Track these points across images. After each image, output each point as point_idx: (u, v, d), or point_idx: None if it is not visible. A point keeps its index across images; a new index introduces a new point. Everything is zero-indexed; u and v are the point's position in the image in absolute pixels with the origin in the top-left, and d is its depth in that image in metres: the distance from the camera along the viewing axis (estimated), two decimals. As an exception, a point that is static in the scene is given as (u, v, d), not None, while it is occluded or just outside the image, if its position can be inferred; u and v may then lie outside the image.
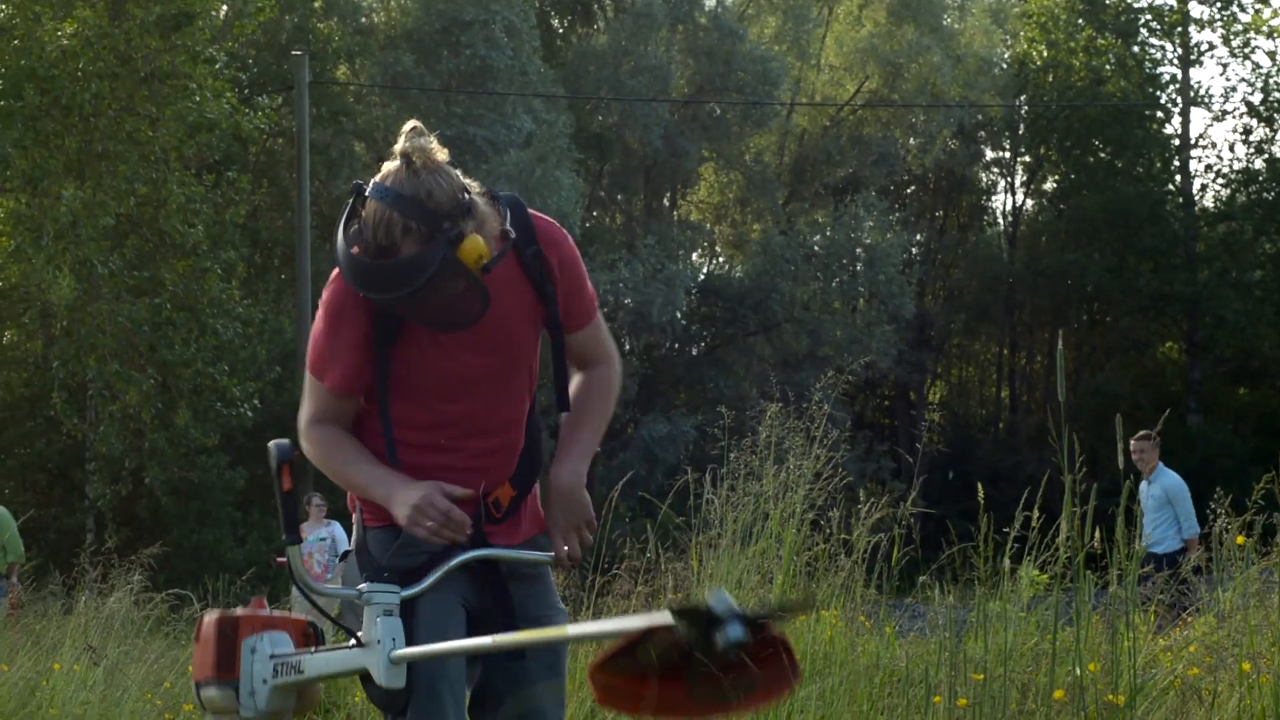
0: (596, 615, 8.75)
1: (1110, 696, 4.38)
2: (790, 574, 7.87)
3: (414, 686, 4.41)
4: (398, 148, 4.25)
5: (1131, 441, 14.91)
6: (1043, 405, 52.47)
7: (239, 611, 4.68)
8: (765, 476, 8.31)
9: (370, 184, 4.25)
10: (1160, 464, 14.73)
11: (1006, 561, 5.23)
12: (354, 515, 4.72)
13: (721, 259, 54.60)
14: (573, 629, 4.11)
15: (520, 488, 4.73)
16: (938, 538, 7.73)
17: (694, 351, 49.17)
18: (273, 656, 4.63)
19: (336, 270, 4.44)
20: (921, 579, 6.82)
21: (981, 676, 4.64)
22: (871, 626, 8.89)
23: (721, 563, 8.17)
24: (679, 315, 45.70)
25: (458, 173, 4.30)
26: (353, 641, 4.43)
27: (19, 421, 31.03)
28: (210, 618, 4.66)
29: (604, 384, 4.76)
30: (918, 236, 54.43)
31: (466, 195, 4.26)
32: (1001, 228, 57.83)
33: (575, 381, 4.79)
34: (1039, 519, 5.70)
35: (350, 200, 4.32)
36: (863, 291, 48.44)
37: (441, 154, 4.26)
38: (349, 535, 5.57)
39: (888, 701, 7.29)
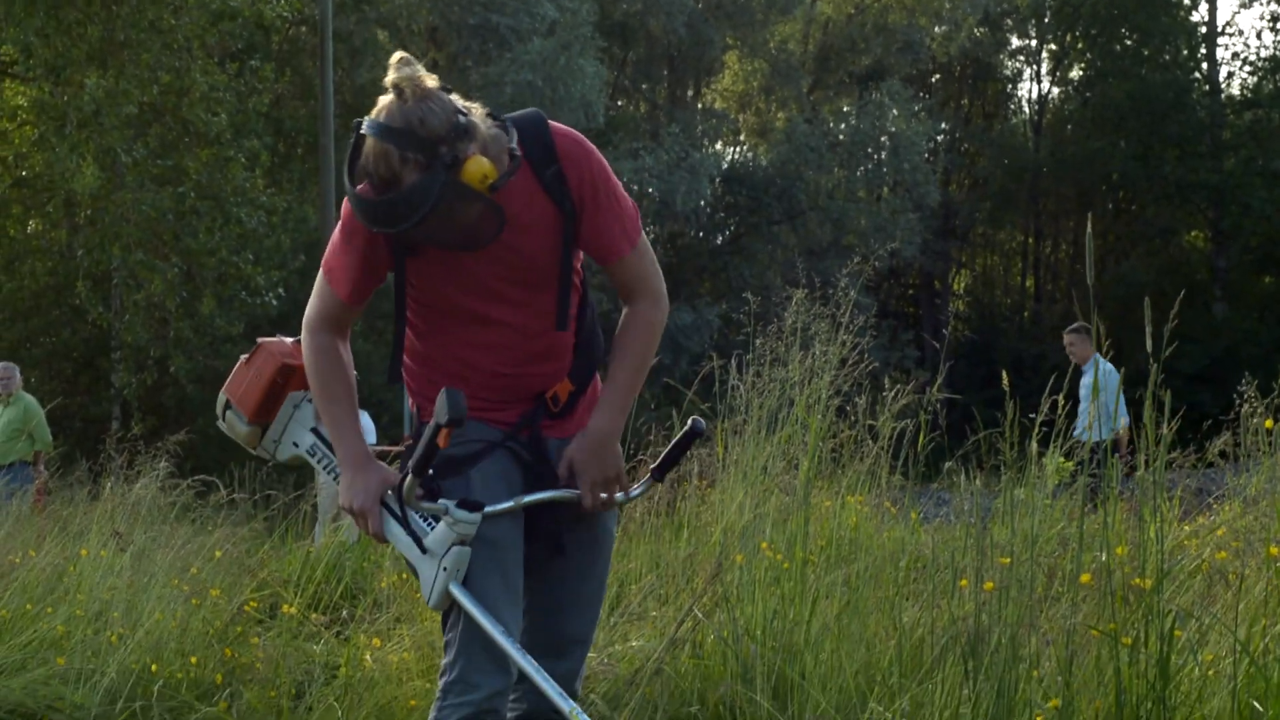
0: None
1: (1137, 580, 4.37)
2: (815, 460, 7.87)
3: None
4: (387, 80, 4.24)
5: (1065, 334, 15.00)
6: (1068, 294, 52.35)
7: (297, 360, 4.77)
8: (791, 362, 8.30)
9: (365, 121, 4.25)
10: (1096, 355, 14.61)
11: (1034, 446, 5.22)
12: (410, 405, 4.80)
13: (746, 147, 54.37)
14: None
15: (579, 383, 4.78)
16: (963, 425, 7.72)
17: (718, 240, 49.03)
18: (316, 433, 4.73)
19: (347, 211, 4.48)
20: (947, 465, 6.82)
21: (1008, 561, 4.64)
22: (897, 513, 8.90)
23: (747, 449, 8.18)
24: (703, 204, 45.55)
25: (454, 97, 4.29)
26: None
27: (44, 311, 31.10)
28: (271, 356, 4.78)
29: (644, 326, 4.73)
30: (943, 125, 54.08)
31: (463, 118, 4.24)
32: (1027, 116, 57.54)
33: (621, 321, 4.76)
34: (1065, 406, 5.69)
35: (353, 139, 4.31)
36: (887, 180, 48.21)
37: (431, 80, 4.25)
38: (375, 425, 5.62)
39: (913, 587, 7.31)
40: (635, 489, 4.83)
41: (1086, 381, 14.28)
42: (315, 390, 4.63)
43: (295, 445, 4.82)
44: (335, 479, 4.75)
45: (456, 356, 4.64)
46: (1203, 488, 7.66)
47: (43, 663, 6.77)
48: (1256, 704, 4.10)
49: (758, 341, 8.56)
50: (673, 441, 4.83)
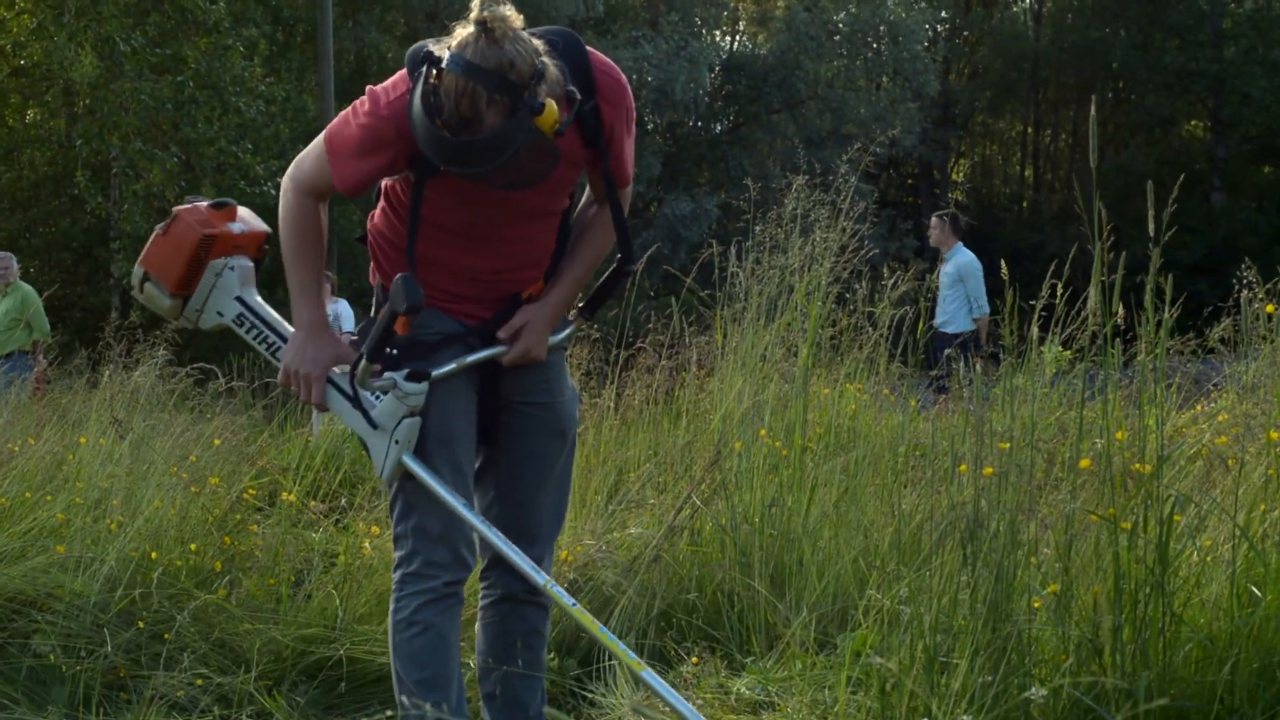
0: (620, 388, 8.77)
1: (1136, 466, 4.37)
2: (814, 348, 7.85)
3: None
4: (473, 15, 4.16)
5: (932, 218, 14.91)
6: (1067, 183, 52.22)
7: (217, 227, 4.74)
8: (790, 249, 8.27)
9: (447, 55, 4.16)
10: (959, 244, 14.46)
11: (1034, 329, 5.20)
12: (376, 288, 4.78)
13: (745, 36, 54.05)
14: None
15: (548, 279, 4.84)
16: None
17: (717, 129, 48.79)
18: (241, 301, 4.69)
19: (389, 100, 4.42)
20: (947, 352, 6.79)
21: (1007, 446, 4.64)
22: (895, 400, 8.90)
23: (746, 337, 8.16)
24: (702, 93, 45.29)
25: (527, 34, 4.23)
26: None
27: (43, 201, 30.99)
28: (190, 227, 4.73)
29: (603, 229, 4.82)
30: (943, 13, 53.75)
31: (540, 60, 4.20)
32: (1027, 4, 57.16)
33: (591, 217, 4.85)
34: (1064, 293, 5.67)
35: (424, 69, 4.21)
36: (887, 69, 47.90)
37: (518, 20, 4.18)
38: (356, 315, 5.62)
39: (911, 474, 7.31)
40: (565, 330, 4.89)
41: (947, 270, 14.18)
42: (287, 249, 4.61)
43: (220, 315, 4.78)
44: (269, 350, 4.74)
45: (449, 260, 4.67)
46: (1202, 377, 7.66)
47: (42, 550, 6.78)
48: (1255, 589, 4.11)
49: (757, 229, 8.53)
50: (602, 278, 4.89)
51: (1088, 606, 4.04)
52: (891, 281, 8.21)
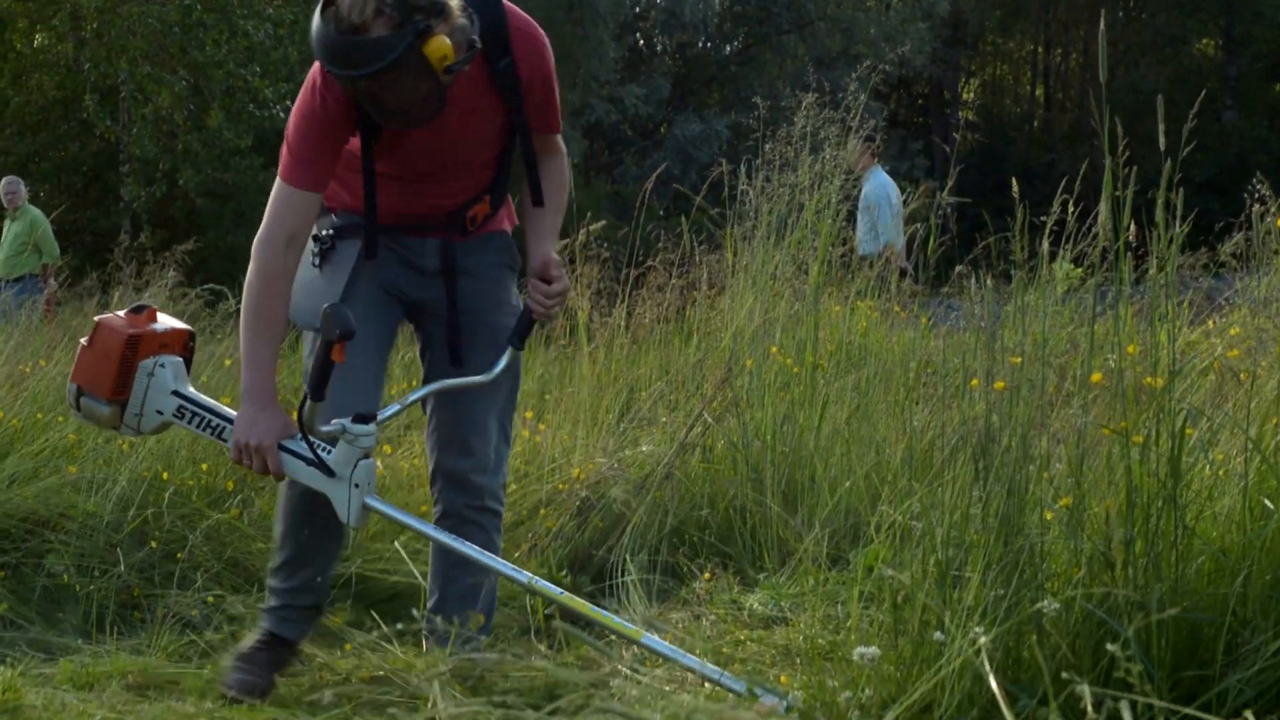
0: (631, 307, 8.76)
1: (1149, 380, 4.36)
2: (825, 265, 7.84)
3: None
4: None
5: (850, 141, 14.73)
6: (1078, 103, 51.99)
7: (140, 328, 4.70)
8: (801, 167, 8.25)
9: None
10: (876, 167, 14.30)
11: (1045, 244, 5.18)
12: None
13: (754, -45, 53.78)
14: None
15: (495, 206, 5.07)
16: (973, 235, 7.69)
17: (727, 50, 48.60)
18: (177, 394, 4.68)
19: (311, 82, 4.63)
20: (958, 269, 6.78)
21: (1019, 361, 4.62)
22: (906, 318, 8.89)
23: (756, 255, 8.15)
24: (712, 14, 45.11)
25: None
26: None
27: (52, 125, 30.89)
28: (114, 332, 4.68)
29: (563, 174, 5.07)
30: (953, -69, 53.48)
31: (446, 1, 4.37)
32: (1038, -78, 56.83)
33: (544, 171, 5.03)
34: (1075, 210, 5.65)
35: None
36: (897, -12, 47.72)
37: None
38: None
39: (923, 391, 7.31)
40: (502, 363, 4.99)
41: (865, 193, 14.04)
42: (245, 314, 4.65)
43: (159, 413, 4.75)
44: (215, 434, 4.71)
45: (392, 191, 4.85)
46: (1214, 292, 7.63)
47: (54, 471, 6.78)
48: (1268, 502, 4.10)
49: (767, 147, 8.50)
50: (518, 319, 4.98)
51: (1100, 520, 4.04)
52: (902, 200, 8.18)
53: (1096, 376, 4.55)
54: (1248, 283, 6.92)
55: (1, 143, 29.86)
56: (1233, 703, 3.61)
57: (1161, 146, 4.42)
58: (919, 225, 8.13)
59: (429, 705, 4.57)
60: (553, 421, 7.67)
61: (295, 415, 4.52)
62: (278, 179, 4.70)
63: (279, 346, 4.66)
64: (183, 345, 4.83)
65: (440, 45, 4.32)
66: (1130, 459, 3.96)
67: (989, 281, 5.53)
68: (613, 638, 5.24)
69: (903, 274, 9.24)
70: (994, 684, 3.26)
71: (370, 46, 4.26)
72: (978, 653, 3.53)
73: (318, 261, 4.88)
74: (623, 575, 6.09)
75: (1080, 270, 6.33)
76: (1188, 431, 4.12)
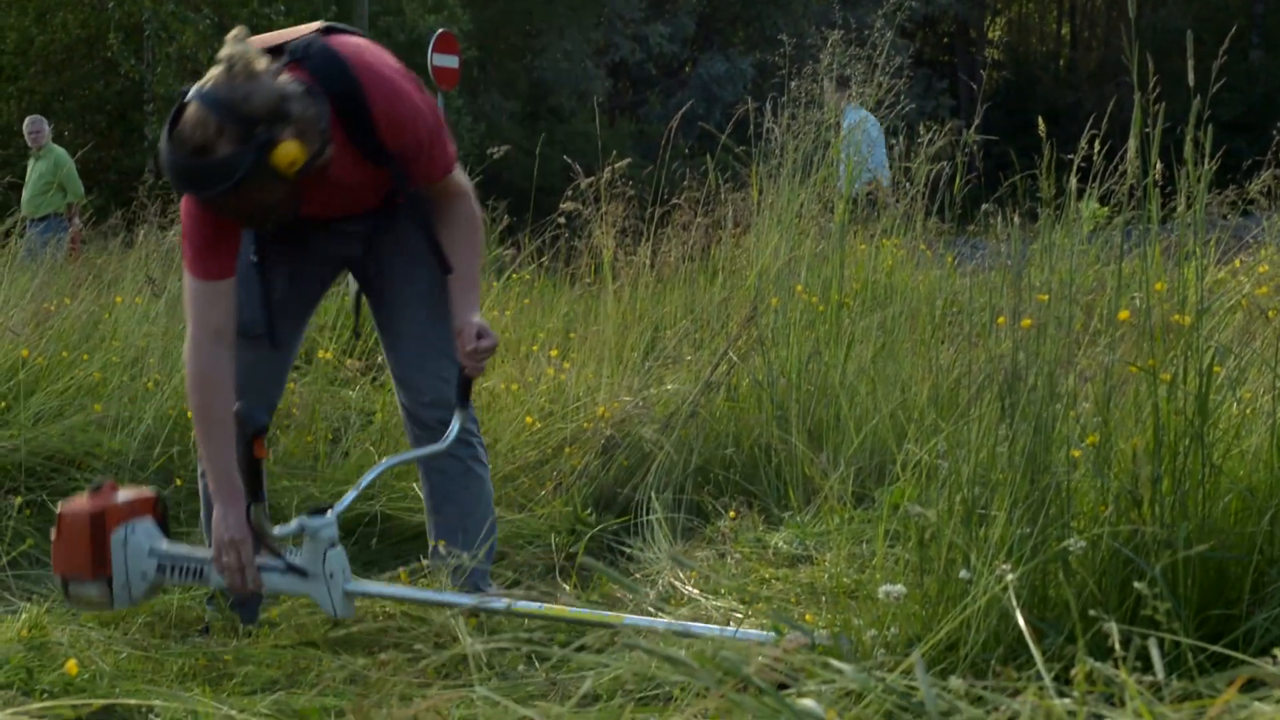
0: (656, 245, 8.74)
1: (1176, 317, 4.34)
2: (851, 203, 7.81)
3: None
4: (220, 54, 4.32)
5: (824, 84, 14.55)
6: (1104, 41, 51.72)
7: (102, 502, 4.68)
8: (826, 104, 8.21)
9: (192, 89, 4.33)
10: (850, 106, 14.05)
11: (1072, 181, 5.15)
12: None
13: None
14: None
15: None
16: (998, 174, 7.65)
17: (751, -12, 48.37)
18: (154, 553, 4.66)
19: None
20: (985, 206, 6.75)
21: (1046, 297, 4.60)
22: (933, 256, 8.86)
23: (782, 193, 8.12)
24: (736, -49, 44.93)
25: (283, 78, 4.34)
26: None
27: (77, 64, 30.85)
28: (78, 515, 4.65)
29: (473, 220, 4.94)
30: None
31: (287, 103, 4.31)
32: None
33: (450, 219, 4.93)
34: (1102, 149, 5.61)
35: (176, 106, 4.38)
36: (924, -76, 47.42)
37: (261, 63, 4.32)
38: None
39: (949, 330, 7.29)
40: (445, 440, 5.03)
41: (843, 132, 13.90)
42: (195, 419, 4.67)
43: (145, 576, 4.72)
44: (199, 577, 4.69)
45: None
46: (1241, 230, 7.60)
47: (80, 409, 6.80)
48: (1295, 440, 4.08)
49: (792, 84, 8.46)
50: (456, 381, 4.98)
51: (1126, 458, 4.02)
52: (928, 138, 8.15)
53: (1124, 314, 4.53)
54: (1275, 220, 6.89)
55: (25, 82, 29.86)
56: (1260, 641, 3.60)
57: (1190, 83, 4.39)
58: (945, 164, 8.08)
59: (456, 643, 4.59)
60: (577, 360, 7.67)
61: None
62: (186, 275, 4.71)
63: (231, 435, 4.54)
64: (152, 508, 4.81)
65: (287, 151, 4.29)
66: (1157, 397, 3.94)
67: (1015, 219, 5.50)
68: (638, 576, 5.25)
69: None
70: (1021, 620, 3.25)
71: (215, 167, 4.24)
72: (1004, 590, 3.52)
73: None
74: (648, 513, 6.09)
75: (1106, 210, 6.30)
76: (1215, 369, 4.10)
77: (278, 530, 4.51)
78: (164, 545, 4.68)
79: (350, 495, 4.78)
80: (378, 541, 6.04)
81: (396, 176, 4.73)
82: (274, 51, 4.51)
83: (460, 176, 4.91)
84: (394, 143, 4.64)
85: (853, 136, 13.30)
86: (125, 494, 4.75)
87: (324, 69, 4.55)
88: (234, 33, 4.40)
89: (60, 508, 4.70)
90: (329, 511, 4.54)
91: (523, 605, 4.38)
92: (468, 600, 4.48)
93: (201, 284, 4.63)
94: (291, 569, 4.51)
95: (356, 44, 4.69)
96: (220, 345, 4.62)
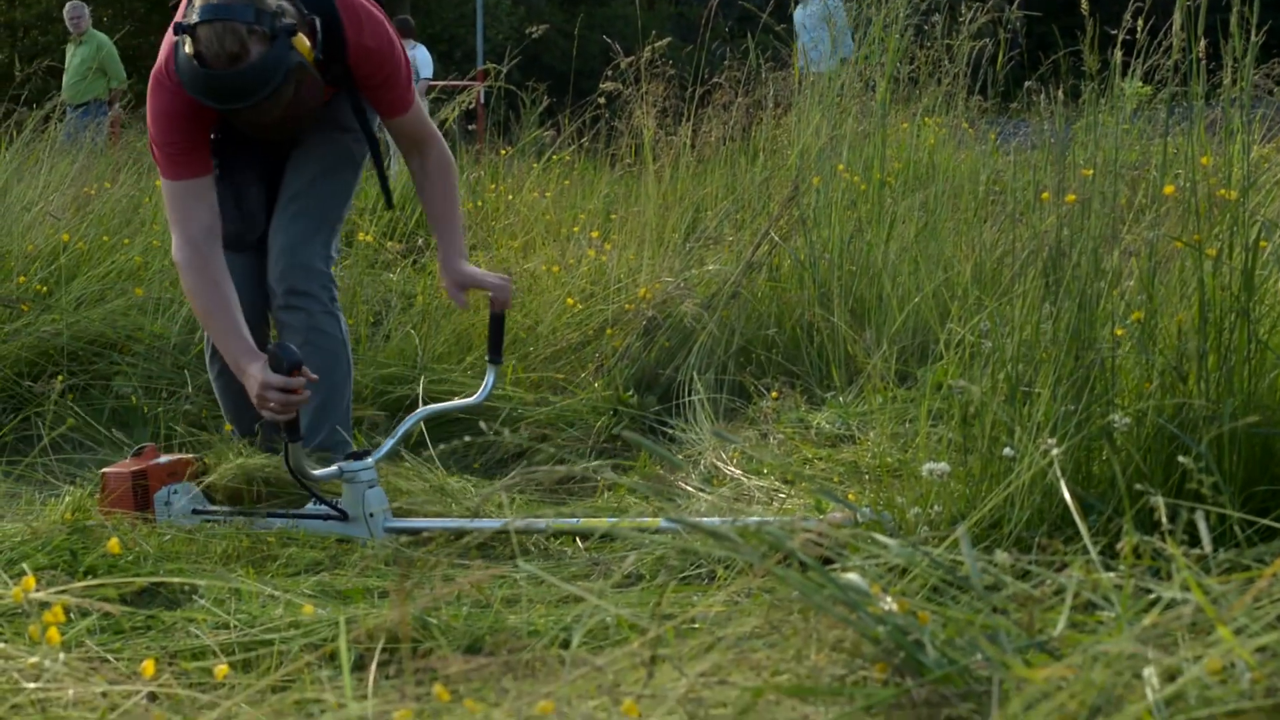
0: (696, 126, 8.69)
1: (1222, 191, 4.29)
2: (892, 82, 7.74)
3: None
4: None
5: None
6: (1150, -83, 51.08)
7: (145, 463, 4.70)
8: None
9: (194, 12, 4.32)
10: None
11: (1116, 54, 5.09)
12: None
13: None
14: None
15: None
16: (1039, 53, 7.58)
17: None
18: (199, 514, 4.67)
19: (153, 85, 4.67)
20: (1027, 83, 6.68)
21: (1090, 172, 4.56)
22: (975, 135, 8.80)
23: (823, 72, 8.06)
24: None
25: None
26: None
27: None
28: (119, 475, 4.66)
29: (445, 168, 4.96)
30: None
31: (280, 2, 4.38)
32: None
33: (421, 181, 5.00)
34: (1145, 25, 5.55)
35: (173, 44, 4.46)
36: None
37: None
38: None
39: (991, 208, 7.25)
40: (480, 394, 5.16)
41: (811, 11, 13.68)
42: (199, 317, 4.72)
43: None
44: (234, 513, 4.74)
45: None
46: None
47: (121, 294, 6.81)
48: (1341, 315, 4.05)
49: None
50: (489, 324, 5.10)
51: (1171, 335, 3.99)
52: (970, 15, 8.06)
53: (1169, 189, 4.49)
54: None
55: (64, -33, 29.81)
56: (1306, 515, 3.58)
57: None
58: (987, 41, 8.00)
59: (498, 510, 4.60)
60: (618, 241, 7.64)
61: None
62: (165, 182, 4.70)
63: (236, 310, 4.63)
64: (189, 473, 4.82)
65: (302, 40, 4.36)
66: (1203, 272, 3.90)
67: (1059, 95, 5.45)
68: (680, 457, 5.25)
69: None
70: (1066, 493, 3.24)
71: (259, 68, 4.26)
72: (1050, 464, 3.51)
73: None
74: (689, 394, 6.08)
75: (1149, 88, 6.24)
76: (1262, 244, 4.06)
77: (318, 473, 4.54)
78: (206, 506, 4.72)
79: (389, 443, 4.89)
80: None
81: (355, 105, 4.80)
82: None
83: (428, 122, 4.93)
84: (361, 70, 4.67)
85: (817, 16, 13.07)
86: (166, 457, 4.79)
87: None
88: None
89: (103, 470, 4.74)
90: (368, 456, 4.58)
91: (561, 522, 4.39)
92: (508, 524, 4.49)
93: (186, 184, 4.64)
94: (340, 515, 4.54)
95: None
96: (213, 238, 4.64)
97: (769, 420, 5.65)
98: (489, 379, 5.11)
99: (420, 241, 8.35)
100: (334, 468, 4.56)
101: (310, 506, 4.61)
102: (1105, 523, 3.53)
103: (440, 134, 4.97)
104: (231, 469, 4.80)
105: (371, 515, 4.50)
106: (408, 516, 4.64)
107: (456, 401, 5.19)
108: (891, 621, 2.32)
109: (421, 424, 5.34)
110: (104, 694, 2.70)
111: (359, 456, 4.57)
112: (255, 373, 4.45)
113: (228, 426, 5.26)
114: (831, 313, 6.31)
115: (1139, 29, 5.37)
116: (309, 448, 4.89)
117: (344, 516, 4.54)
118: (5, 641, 2.90)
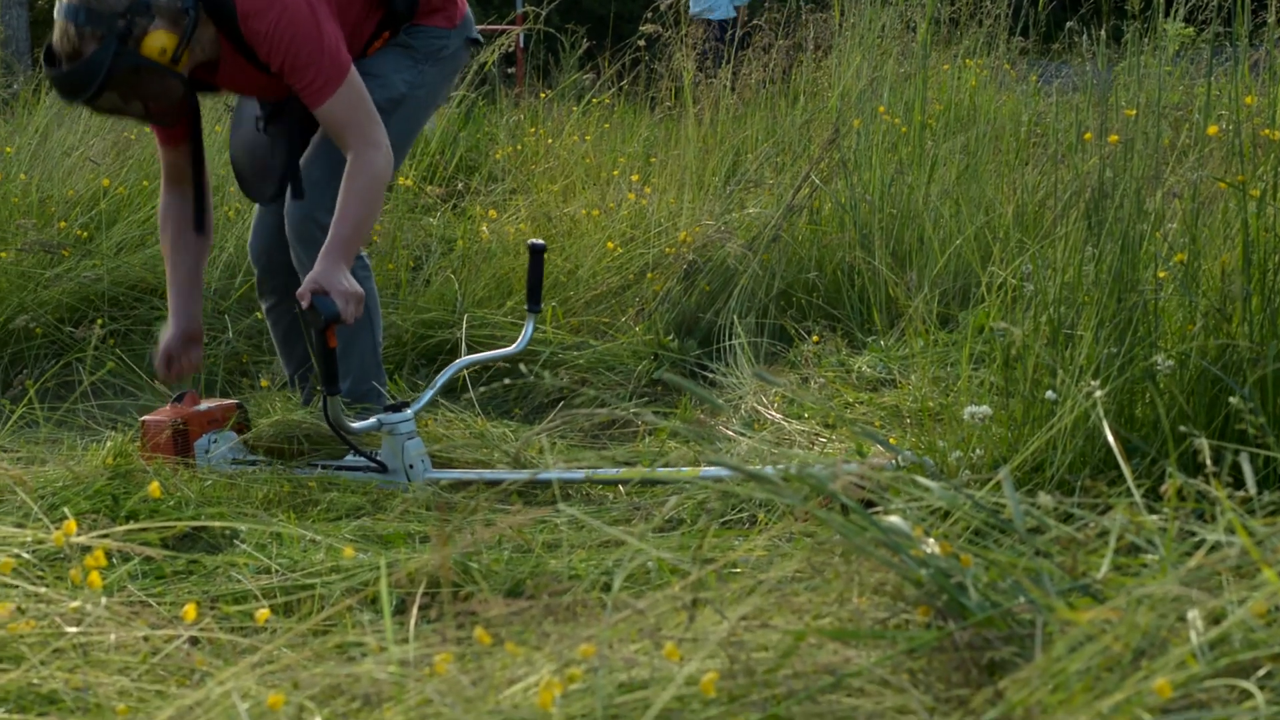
0: (736, 68, 8.66)
1: (1266, 131, 4.26)
2: (933, 23, 7.70)
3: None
4: None
5: None
6: None
7: (185, 413, 4.73)
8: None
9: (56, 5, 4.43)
10: None
11: (1162, -8, 5.04)
12: None
13: None
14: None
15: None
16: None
17: None
18: (239, 464, 4.68)
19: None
20: (1069, 24, 6.64)
21: (1133, 113, 4.53)
22: (1016, 76, 8.75)
23: (864, 13, 8.01)
24: None
25: None
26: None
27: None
28: (158, 423, 4.69)
29: (352, 177, 4.55)
30: None
31: None
32: None
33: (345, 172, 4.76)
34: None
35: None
36: None
37: None
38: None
39: (1033, 151, 7.21)
40: (519, 344, 5.19)
41: None
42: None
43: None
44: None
45: None
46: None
47: (162, 239, 6.82)
48: (1388, 256, 4.02)
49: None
50: (528, 273, 5.13)
51: (1215, 276, 3.97)
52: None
53: (1213, 129, 4.45)
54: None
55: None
56: (1351, 457, 3.55)
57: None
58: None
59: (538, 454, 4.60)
60: (658, 185, 7.63)
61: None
62: (159, 148, 5.03)
63: (190, 265, 4.97)
64: (231, 420, 4.82)
65: (156, 39, 4.38)
66: (1247, 213, 3.87)
67: (1101, 35, 5.41)
68: (721, 401, 5.24)
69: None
70: (1110, 435, 3.22)
71: (84, 69, 4.32)
72: (1092, 407, 3.49)
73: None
74: (730, 338, 6.07)
75: (1192, 29, 6.19)
76: (1307, 184, 4.02)
77: (357, 425, 4.55)
78: (246, 455, 4.74)
79: (427, 394, 4.90)
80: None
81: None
82: None
83: (352, 125, 4.61)
84: (260, 54, 4.61)
85: None
86: (208, 404, 4.81)
87: None
88: None
89: (144, 418, 4.75)
90: (407, 409, 4.60)
91: (602, 473, 4.38)
92: (548, 475, 4.49)
93: (173, 150, 4.97)
94: (379, 467, 4.55)
95: None
96: (181, 184, 4.99)
97: (810, 364, 5.64)
98: (528, 327, 5.12)
99: (459, 185, 8.34)
100: (373, 420, 4.56)
101: (349, 459, 4.62)
102: (1149, 465, 3.51)
103: (377, 141, 4.59)
104: (271, 423, 4.80)
105: (411, 467, 4.51)
106: (447, 463, 4.64)
107: (495, 351, 5.20)
108: (934, 564, 2.32)
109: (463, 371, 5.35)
110: (145, 638, 2.71)
111: (398, 408, 4.57)
112: (163, 336, 4.87)
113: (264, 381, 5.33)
114: (872, 256, 6.28)
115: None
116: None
117: (383, 469, 4.55)
118: (47, 586, 2.91)
